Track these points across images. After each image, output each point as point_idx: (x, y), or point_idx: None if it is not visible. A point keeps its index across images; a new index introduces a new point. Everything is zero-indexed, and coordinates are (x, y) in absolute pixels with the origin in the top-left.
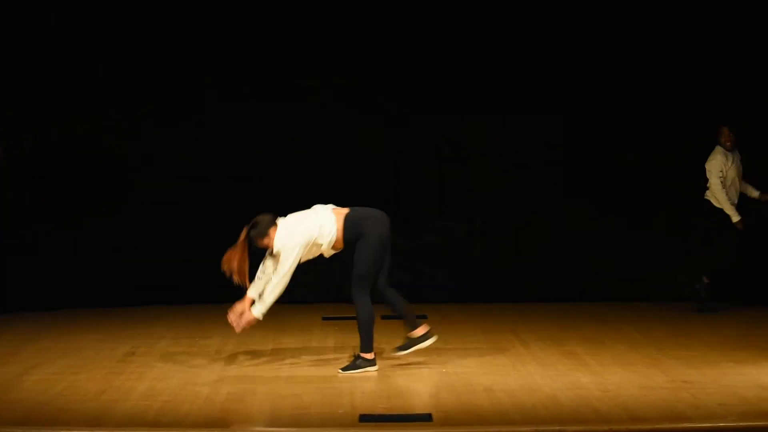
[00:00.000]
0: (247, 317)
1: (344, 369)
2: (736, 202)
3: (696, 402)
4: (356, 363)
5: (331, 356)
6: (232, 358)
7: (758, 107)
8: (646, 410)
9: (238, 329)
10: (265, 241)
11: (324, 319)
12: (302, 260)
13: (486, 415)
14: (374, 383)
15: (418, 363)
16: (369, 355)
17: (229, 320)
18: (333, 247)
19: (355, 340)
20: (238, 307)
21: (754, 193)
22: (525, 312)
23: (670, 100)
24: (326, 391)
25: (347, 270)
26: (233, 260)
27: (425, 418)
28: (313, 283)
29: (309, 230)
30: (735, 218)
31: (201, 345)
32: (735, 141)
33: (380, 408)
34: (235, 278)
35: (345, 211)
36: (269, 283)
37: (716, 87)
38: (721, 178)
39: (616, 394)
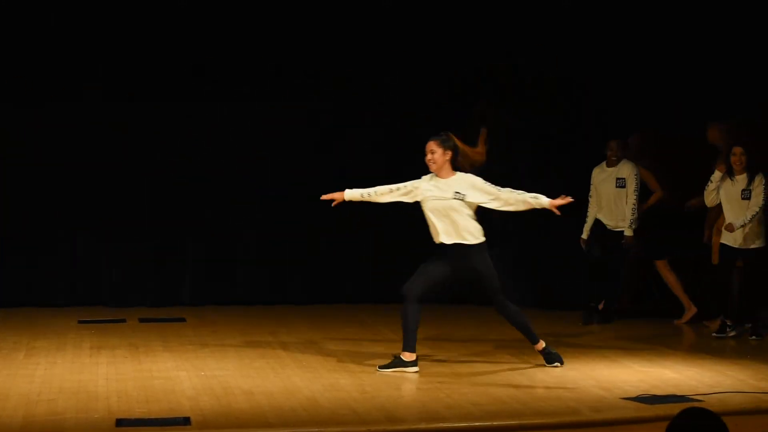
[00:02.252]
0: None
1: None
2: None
3: (451, 402)
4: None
5: (86, 360)
6: None
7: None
8: (402, 411)
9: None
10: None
11: (80, 322)
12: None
13: (244, 418)
14: (131, 387)
15: (176, 366)
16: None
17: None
18: None
19: (110, 342)
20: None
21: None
22: (284, 315)
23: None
24: (81, 396)
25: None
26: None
27: (183, 421)
28: (70, 287)
29: None
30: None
31: None
32: (620, 156)
33: (137, 412)
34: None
35: None
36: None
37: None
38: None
39: (373, 395)
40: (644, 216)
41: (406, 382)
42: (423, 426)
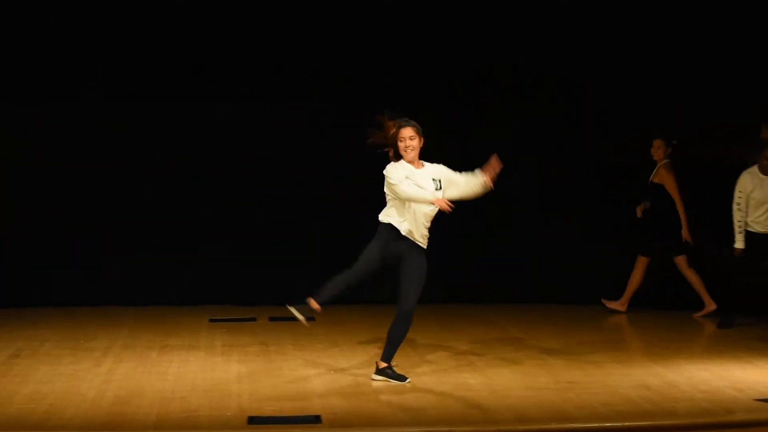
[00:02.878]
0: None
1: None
2: None
3: (581, 402)
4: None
5: (218, 359)
6: (117, 361)
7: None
8: (532, 411)
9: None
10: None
11: (211, 321)
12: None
13: (375, 417)
14: (262, 385)
15: (307, 365)
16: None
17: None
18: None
19: (241, 341)
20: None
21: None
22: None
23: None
24: (214, 394)
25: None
26: None
27: (314, 419)
28: (202, 285)
29: None
30: None
31: (86, 347)
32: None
33: (268, 410)
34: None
35: None
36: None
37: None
38: None
39: (503, 395)
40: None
41: (536, 382)
42: (553, 426)
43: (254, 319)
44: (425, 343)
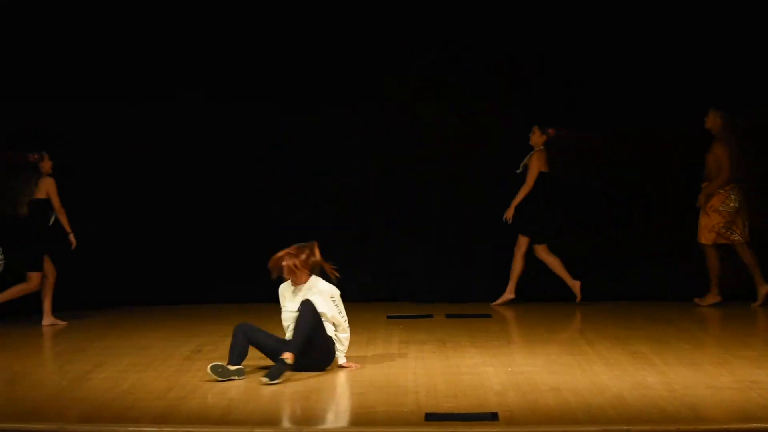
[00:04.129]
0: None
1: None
2: None
3: (764, 402)
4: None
5: (395, 354)
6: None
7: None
8: (713, 410)
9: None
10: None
11: (389, 317)
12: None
13: (552, 415)
14: (439, 382)
15: (483, 362)
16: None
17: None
18: None
19: (418, 337)
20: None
21: None
22: (588, 311)
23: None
24: (391, 390)
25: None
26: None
27: (491, 417)
28: (376, 282)
29: None
30: None
31: None
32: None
33: (445, 407)
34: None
35: None
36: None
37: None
38: None
39: (682, 394)
40: None
41: (717, 381)
42: (734, 426)
43: (431, 316)
44: (602, 340)
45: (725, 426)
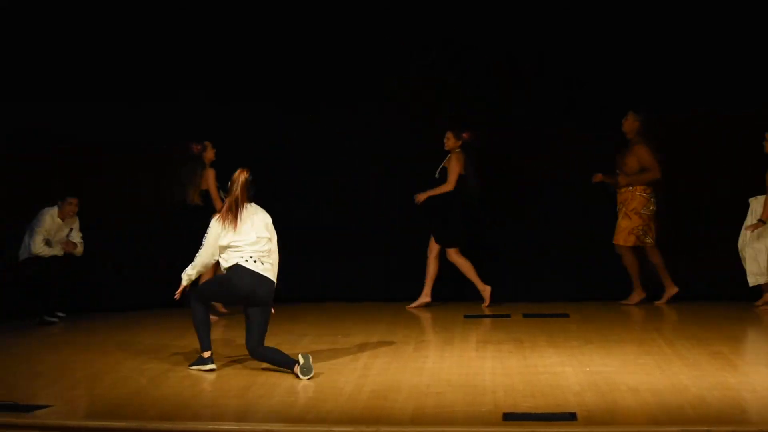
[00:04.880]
0: None
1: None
2: None
3: None
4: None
5: (473, 354)
6: (374, 356)
7: None
8: None
9: None
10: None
11: (466, 317)
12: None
13: (631, 415)
14: (517, 382)
15: (561, 362)
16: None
17: None
18: None
19: (495, 337)
20: None
21: None
22: (666, 311)
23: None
24: (469, 389)
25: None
26: None
27: (569, 417)
28: (455, 282)
29: None
30: None
31: (343, 342)
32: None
33: (523, 407)
34: None
35: None
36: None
37: None
38: None
39: (764, 395)
40: None
41: None
42: None
43: (508, 316)
44: (682, 340)
45: None
